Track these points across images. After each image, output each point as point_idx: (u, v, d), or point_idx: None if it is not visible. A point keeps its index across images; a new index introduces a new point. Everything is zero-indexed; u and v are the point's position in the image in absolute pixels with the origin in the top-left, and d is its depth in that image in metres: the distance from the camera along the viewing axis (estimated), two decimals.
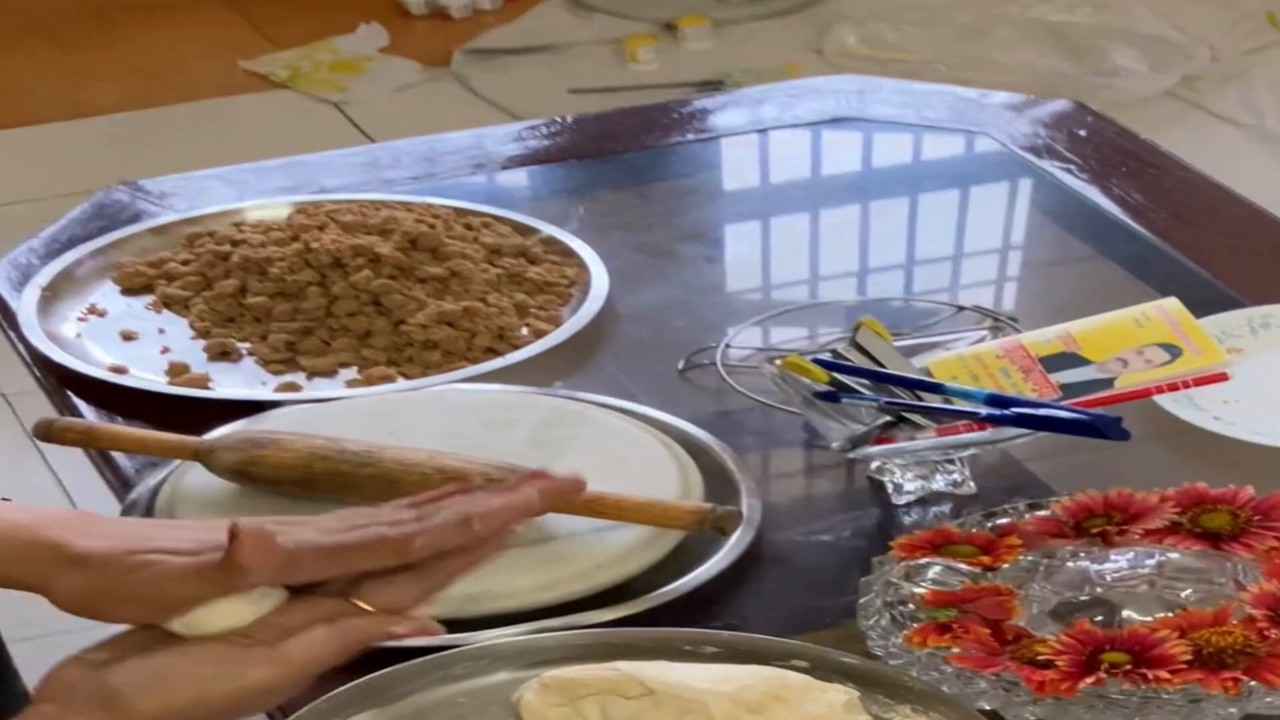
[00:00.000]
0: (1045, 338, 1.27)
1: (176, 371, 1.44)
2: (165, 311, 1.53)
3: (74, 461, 1.37)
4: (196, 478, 1.29)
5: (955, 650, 1.08)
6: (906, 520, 1.25)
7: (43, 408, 1.41)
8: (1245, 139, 3.23)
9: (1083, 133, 1.74)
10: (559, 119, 1.82)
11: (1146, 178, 1.66)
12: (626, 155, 1.75)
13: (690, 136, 1.78)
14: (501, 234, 1.58)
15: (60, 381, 1.44)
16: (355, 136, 3.41)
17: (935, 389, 1.24)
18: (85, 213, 1.67)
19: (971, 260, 1.63)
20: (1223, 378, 1.22)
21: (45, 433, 1.32)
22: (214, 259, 1.55)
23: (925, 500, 1.26)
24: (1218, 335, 1.35)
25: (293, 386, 1.43)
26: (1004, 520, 1.19)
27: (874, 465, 1.27)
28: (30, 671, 1.31)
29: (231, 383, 1.44)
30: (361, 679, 1.05)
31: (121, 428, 1.33)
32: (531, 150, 1.77)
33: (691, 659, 1.10)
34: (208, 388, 1.43)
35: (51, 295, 1.53)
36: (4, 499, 1.09)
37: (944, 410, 1.23)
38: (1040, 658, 1.06)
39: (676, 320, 1.51)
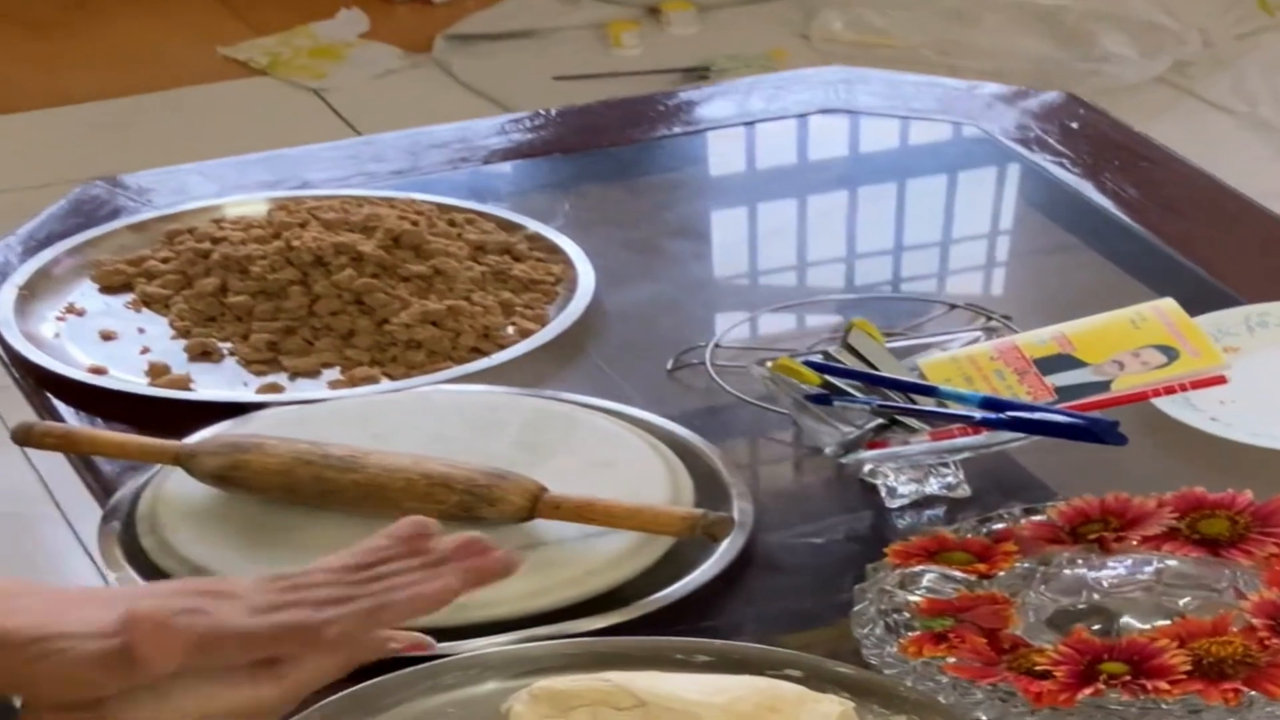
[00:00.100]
0: (1040, 339, 1.25)
1: (157, 372, 1.42)
2: (145, 310, 1.51)
3: (57, 460, 1.35)
4: (178, 483, 1.27)
5: (951, 660, 1.07)
6: (900, 524, 1.23)
7: (21, 406, 1.40)
8: (1237, 126, 3.22)
9: (1074, 125, 1.72)
10: (543, 111, 1.80)
11: (1140, 171, 1.64)
12: (612, 149, 1.73)
13: (677, 129, 1.76)
14: (486, 230, 1.56)
15: (39, 383, 1.42)
16: (336, 124, 3.38)
17: (929, 391, 1.22)
18: (63, 209, 1.65)
19: (962, 256, 1.61)
20: (1221, 380, 1.20)
21: (24, 437, 1.30)
22: (194, 257, 1.53)
23: (919, 503, 1.24)
24: (1214, 334, 1.33)
25: (275, 388, 1.41)
26: (999, 525, 1.18)
27: (866, 468, 1.25)
28: None
29: (213, 383, 1.42)
30: (350, 689, 1.04)
31: (101, 432, 1.31)
32: (516, 144, 1.75)
33: (684, 668, 1.09)
34: (189, 389, 1.41)
35: (29, 294, 1.51)
36: None
37: (938, 414, 1.21)
38: (1038, 668, 1.05)
39: (664, 318, 1.49)
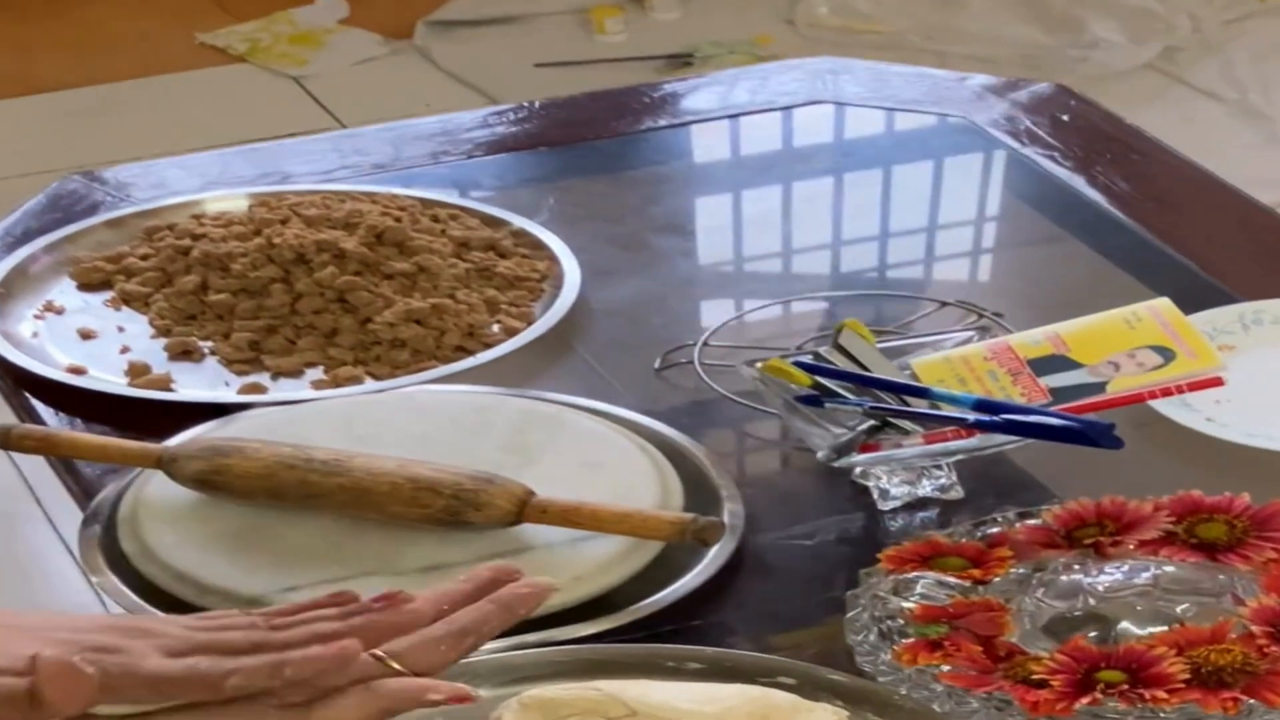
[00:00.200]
0: (1034, 339, 1.23)
1: (137, 372, 1.41)
2: (124, 308, 1.49)
3: (37, 460, 1.34)
4: (160, 486, 1.25)
5: (946, 668, 1.05)
6: (893, 525, 1.22)
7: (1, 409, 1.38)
8: (1227, 114, 3.20)
9: (1065, 117, 1.70)
10: (526, 104, 1.78)
11: (1131, 164, 1.63)
12: (597, 142, 1.71)
13: (662, 122, 1.74)
14: (470, 226, 1.54)
15: (17, 383, 1.40)
16: (316, 113, 3.36)
17: (921, 393, 1.21)
18: (40, 204, 1.63)
19: (951, 251, 1.60)
20: (1218, 382, 1.19)
21: (3, 440, 1.28)
22: (174, 254, 1.51)
23: (912, 505, 1.23)
24: (1209, 332, 1.32)
25: (257, 388, 1.39)
26: (994, 529, 1.16)
27: (858, 470, 1.23)
28: None
29: (194, 383, 1.40)
30: None
31: (81, 434, 1.29)
32: (499, 137, 1.73)
33: (675, 675, 1.08)
34: (170, 389, 1.39)
35: (6, 293, 1.49)
36: None
37: (931, 416, 1.19)
38: (1035, 676, 1.03)
39: (652, 316, 1.47)
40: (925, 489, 1.23)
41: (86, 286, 1.52)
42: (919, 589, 1.11)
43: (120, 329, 1.46)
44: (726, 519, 1.21)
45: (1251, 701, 1.01)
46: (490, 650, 1.11)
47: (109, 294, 1.50)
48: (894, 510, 1.23)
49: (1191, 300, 1.37)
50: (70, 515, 1.30)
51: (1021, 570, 1.13)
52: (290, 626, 0.97)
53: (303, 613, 0.98)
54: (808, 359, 1.24)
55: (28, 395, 1.39)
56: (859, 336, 1.25)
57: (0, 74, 3.53)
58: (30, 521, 2.29)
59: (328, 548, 1.20)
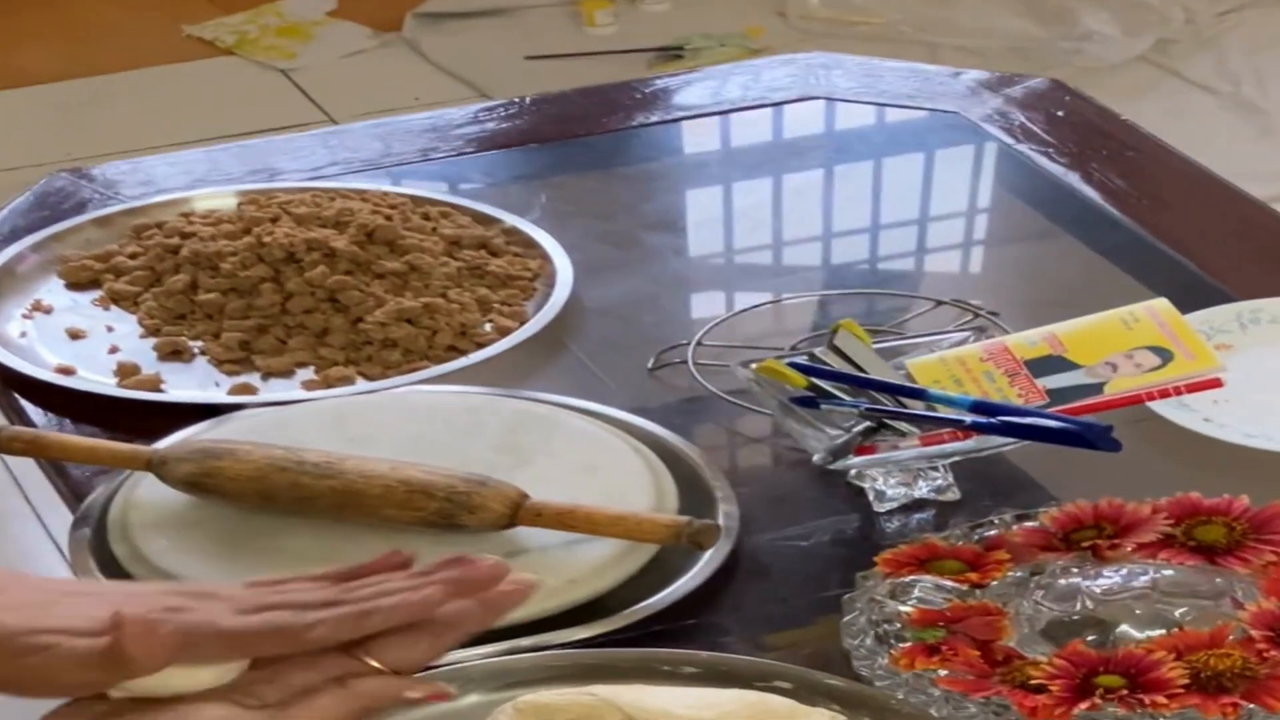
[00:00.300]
0: (1031, 340, 1.23)
1: (126, 373, 1.40)
2: (113, 308, 1.48)
3: (27, 459, 1.33)
4: (150, 488, 1.24)
5: (944, 673, 1.04)
6: (889, 527, 1.21)
7: None
8: (1220, 107, 3.19)
9: (1060, 113, 1.69)
10: (517, 100, 1.77)
11: (1127, 161, 1.62)
12: (588, 138, 1.70)
13: (654, 118, 1.73)
14: (461, 224, 1.54)
15: (6, 383, 1.40)
16: (304, 105, 3.34)
17: (917, 395, 1.20)
18: (27, 202, 1.62)
19: (946, 249, 1.59)
20: (1216, 384, 1.18)
21: None
22: (162, 253, 1.50)
23: (908, 506, 1.22)
24: (1206, 331, 1.31)
25: (248, 388, 1.38)
26: (991, 532, 1.16)
27: (853, 471, 1.23)
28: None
29: (184, 384, 1.39)
30: None
31: (70, 437, 1.29)
32: (490, 133, 1.72)
33: (671, 680, 1.07)
34: (159, 390, 1.38)
35: None
36: None
37: (927, 417, 1.19)
38: (1033, 681, 1.03)
39: (645, 314, 1.46)
40: (921, 490, 1.22)
41: (75, 285, 1.51)
42: (916, 593, 1.10)
43: (109, 328, 1.45)
44: (722, 521, 1.20)
45: (1251, 706, 1.00)
46: (484, 655, 1.11)
47: (97, 293, 1.49)
48: (890, 512, 1.22)
49: (1188, 299, 1.36)
50: (60, 514, 1.30)
51: (1019, 573, 1.12)
52: (360, 588, 0.96)
53: (364, 575, 0.97)
54: (803, 360, 1.23)
55: (16, 396, 1.38)
56: (854, 337, 1.24)
57: None
58: (19, 519, 2.29)
59: (320, 550, 1.19)
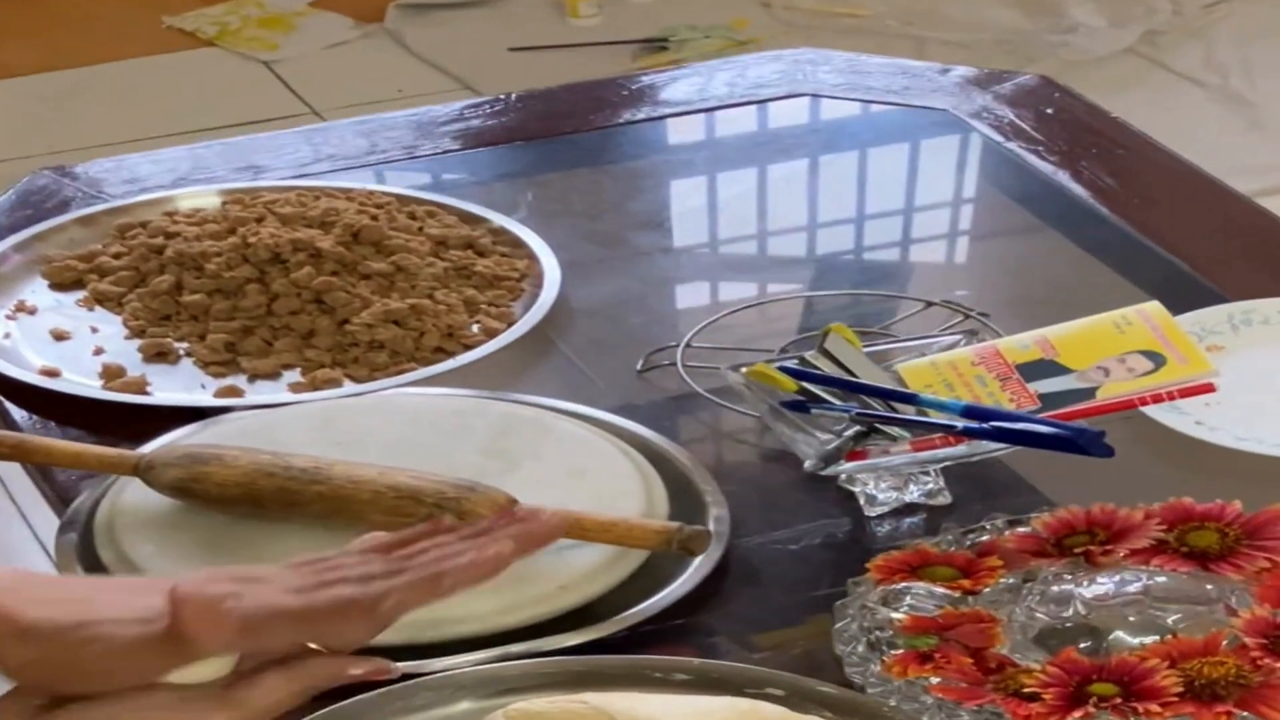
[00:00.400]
0: (1023, 344, 1.22)
1: (112, 375, 1.39)
2: (97, 308, 1.47)
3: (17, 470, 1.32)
4: (136, 493, 1.24)
5: (936, 680, 1.04)
6: (880, 531, 1.21)
7: None
8: (1208, 99, 3.18)
9: (1050, 110, 1.69)
10: (502, 97, 1.76)
11: (1117, 159, 1.61)
12: (574, 135, 1.70)
13: (640, 115, 1.72)
14: (447, 224, 1.53)
15: None
16: (286, 97, 3.33)
17: (909, 399, 1.19)
18: (10, 201, 1.61)
19: (935, 249, 1.58)
20: (1209, 388, 1.18)
21: None
22: (147, 253, 1.49)
23: (899, 510, 1.22)
24: (1198, 332, 1.31)
25: (234, 390, 1.37)
26: (983, 537, 1.15)
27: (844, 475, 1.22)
28: None
29: (169, 385, 1.38)
30: (320, 711, 1.01)
31: (56, 441, 1.28)
32: (475, 130, 1.71)
33: (662, 686, 1.07)
34: (145, 392, 1.37)
35: None
36: None
37: (919, 422, 1.18)
38: (1026, 689, 1.02)
39: (633, 314, 1.46)
40: (913, 494, 1.21)
41: (59, 286, 1.50)
42: (908, 599, 1.10)
43: (94, 329, 1.44)
44: (712, 525, 1.20)
45: (1245, 715, 1.00)
46: (475, 661, 1.10)
47: (82, 293, 1.49)
48: (881, 516, 1.22)
49: (1178, 297, 1.35)
50: (46, 514, 1.29)
51: (1011, 579, 1.11)
52: (417, 555, 0.95)
53: (409, 543, 0.96)
54: (793, 364, 1.23)
55: (1, 399, 1.37)
56: (845, 341, 1.24)
57: None
58: (4, 519, 2.27)
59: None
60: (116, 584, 0.98)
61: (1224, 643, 1.04)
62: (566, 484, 1.22)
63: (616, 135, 1.70)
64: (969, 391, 1.20)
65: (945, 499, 1.22)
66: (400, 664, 1.04)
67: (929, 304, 1.41)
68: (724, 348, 1.38)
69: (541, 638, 1.13)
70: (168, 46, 3.53)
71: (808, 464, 1.18)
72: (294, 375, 1.39)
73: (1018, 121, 1.67)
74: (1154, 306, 1.24)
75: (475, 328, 1.42)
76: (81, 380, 1.38)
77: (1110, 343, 1.21)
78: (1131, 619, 1.07)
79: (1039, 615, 1.08)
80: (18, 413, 1.36)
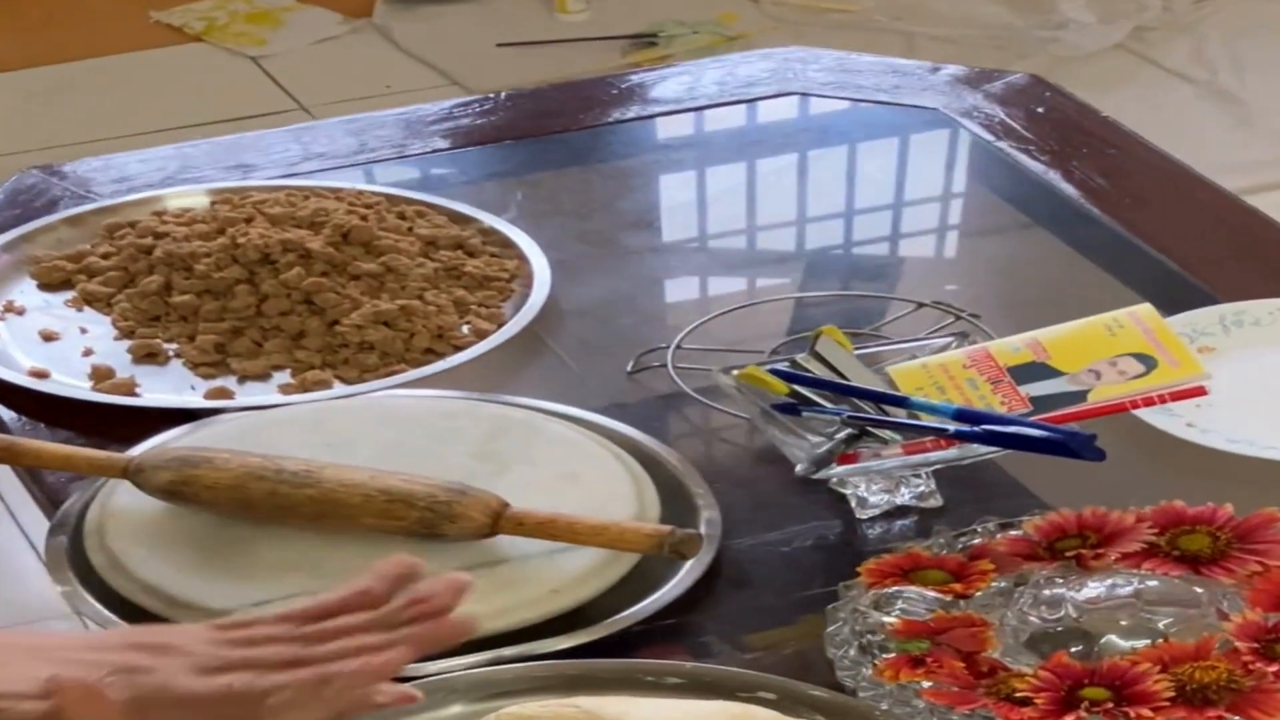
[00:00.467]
0: (1014, 346, 1.22)
1: (101, 376, 1.38)
2: (86, 309, 1.47)
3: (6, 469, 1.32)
4: (126, 496, 1.23)
5: (928, 685, 1.04)
6: (871, 533, 1.21)
7: None
8: (1198, 96, 3.18)
9: (1040, 109, 1.69)
10: (492, 95, 1.76)
11: (1108, 159, 1.61)
12: (564, 135, 1.69)
13: (630, 114, 1.72)
14: (437, 224, 1.52)
15: None
16: (274, 93, 3.32)
17: (900, 402, 1.19)
18: None
19: (925, 249, 1.58)
20: (1201, 392, 1.18)
21: None
22: (135, 253, 1.49)
23: (890, 513, 1.22)
24: (1189, 334, 1.31)
25: (224, 392, 1.37)
26: (975, 540, 1.15)
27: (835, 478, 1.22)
28: None
29: (159, 387, 1.38)
30: None
31: (46, 444, 1.27)
32: (465, 129, 1.71)
33: (654, 690, 1.07)
34: (134, 394, 1.37)
35: None
36: None
37: (910, 425, 1.18)
38: (1018, 694, 1.02)
39: (623, 315, 1.45)
40: (904, 497, 1.21)
41: (47, 286, 1.49)
42: (900, 604, 1.10)
43: (83, 330, 1.44)
44: (704, 528, 1.20)
45: (1236, 719, 1.00)
46: (468, 665, 1.10)
47: (70, 294, 1.48)
48: (872, 518, 1.21)
49: (1169, 297, 1.35)
50: (36, 514, 1.29)
51: (1003, 583, 1.11)
52: (328, 637, 0.95)
53: (333, 614, 0.96)
54: (785, 366, 1.22)
55: None
56: (836, 343, 1.24)
57: None
58: None
59: (300, 560, 1.18)
60: (43, 645, 0.95)
61: (1215, 647, 1.04)
62: (558, 487, 1.22)
63: (606, 134, 1.70)
64: (960, 394, 1.20)
65: (936, 501, 1.22)
66: None
67: (920, 305, 1.41)
68: (714, 349, 1.37)
69: (534, 641, 1.13)
70: (155, 42, 3.51)
71: (799, 468, 1.18)
72: (284, 376, 1.39)
73: (1008, 121, 1.67)
74: (1145, 309, 1.24)
75: (465, 329, 1.42)
76: (71, 381, 1.38)
77: (1101, 345, 1.21)
78: (1123, 623, 1.07)
79: (1031, 619, 1.08)
80: (7, 414, 1.36)
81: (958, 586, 1.11)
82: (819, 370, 1.22)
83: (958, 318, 1.38)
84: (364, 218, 1.49)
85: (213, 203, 1.55)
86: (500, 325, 1.42)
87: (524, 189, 1.62)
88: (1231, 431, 1.23)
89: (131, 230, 1.52)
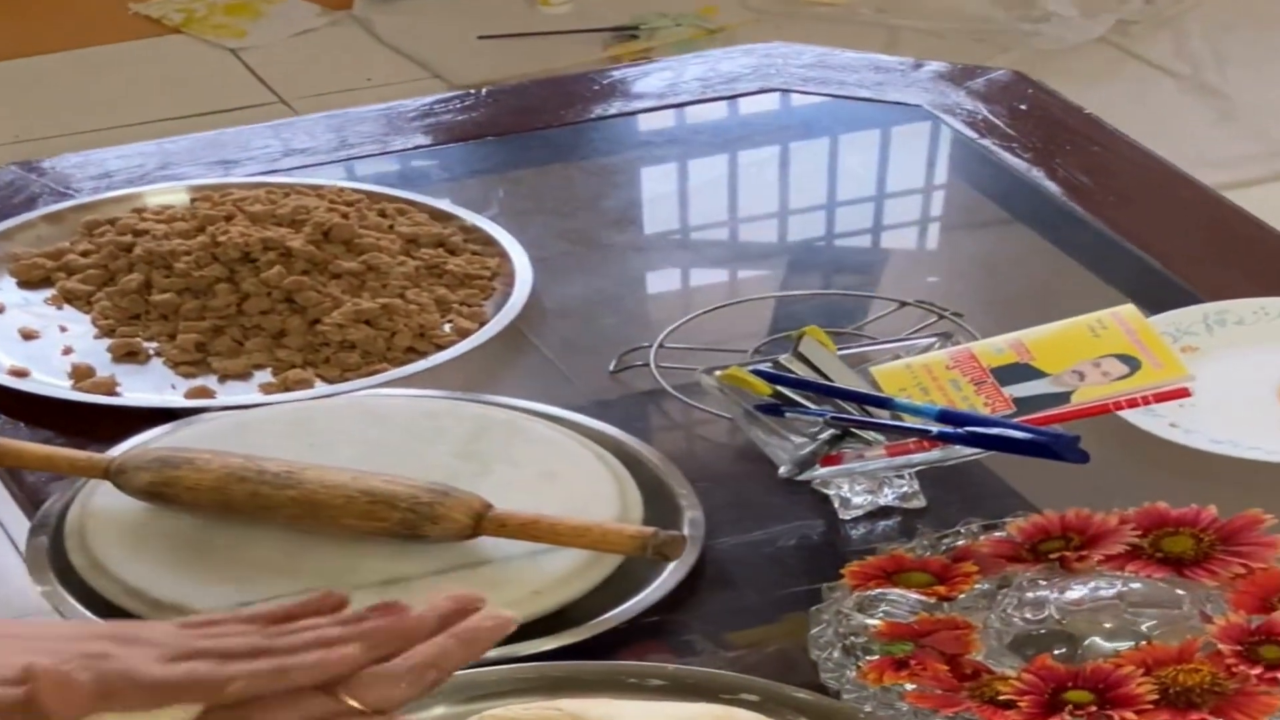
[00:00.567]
0: (997, 347, 1.22)
1: (81, 375, 1.38)
2: (66, 307, 1.46)
3: None
4: (107, 496, 1.23)
5: (912, 687, 1.04)
6: (854, 533, 1.21)
7: None
8: (1180, 90, 3.18)
9: (1023, 106, 1.68)
10: (473, 91, 1.75)
11: (1092, 156, 1.61)
12: (545, 131, 1.69)
13: (612, 110, 1.72)
14: (418, 222, 1.52)
15: None
16: (254, 86, 3.31)
17: (883, 404, 1.19)
18: None
19: (907, 247, 1.58)
20: (1184, 393, 1.17)
21: None
22: (115, 251, 1.48)
23: (873, 513, 1.21)
24: (1172, 333, 1.31)
25: (204, 391, 1.37)
26: (958, 542, 1.15)
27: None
28: None
29: (140, 386, 1.37)
30: None
31: (26, 444, 1.27)
32: (446, 125, 1.70)
33: (637, 692, 1.07)
34: (115, 393, 1.36)
35: None
36: None
37: (894, 427, 1.18)
38: (1002, 697, 1.02)
39: (606, 314, 1.45)
40: (887, 497, 1.21)
41: (27, 284, 1.49)
42: (883, 606, 1.10)
43: (63, 329, 1.44)
44: (687, 529, 1.20)
45: None
46: None
47: (50, 292, 1.48)
48: (855, 519, 1.21)
49: (1152, 296, 1.35)
50: (15, 514, 1.28)
51: (986, 585, 1.11)
52: (290, 632, 0.95)
53: (296, 618, 0.96)
54: (767, 367, 1.22)
55: None
56: (819, 344, 1.23)
57: None
58: None
59: (282, 561, 1.18)
60: (11, 634, 0.95)
61: (1199, 649, 1.04)
62: (540, 487, 1.22)
63: (588, 131, 1.69)
64: (943, 395, 1.20)
65: (920, 502, 1.21)
66: None
67: (903, 304, 1.41)
68: (697, 348, 1.37)
69: (516, 643, 1.12)
70: (133, 33, 3.50)
71: (782, 470, 1.18)
72: (265, 375, 1.38)
73: (991, 118, 1.66)
74: (1129, 309, 1.24)
75: (447, 327, 1.42)
76: (51, 381, 1.37)
77: (1085, 346, 1.21)
78: (1106, 625, 1.07)
79: (1014, 621, 1.08)
80: None
81: (941, 589, 1.10)
82: (802, 371, 1.22)
83: (940, 316, 1.38)
84: (345, 216, 1.48)
85: (193, 200, 1.54)
86: (482, 324, 1.42)
87: (505, 186, 1.62)
88: (1215, 432, 1.23)
89: (111, 228, 1.51)
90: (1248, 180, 2.78)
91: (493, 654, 1.10)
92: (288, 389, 1.36)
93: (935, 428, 1.16)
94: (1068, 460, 1.13)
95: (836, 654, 1.08)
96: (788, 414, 1.20)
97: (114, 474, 1.22)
